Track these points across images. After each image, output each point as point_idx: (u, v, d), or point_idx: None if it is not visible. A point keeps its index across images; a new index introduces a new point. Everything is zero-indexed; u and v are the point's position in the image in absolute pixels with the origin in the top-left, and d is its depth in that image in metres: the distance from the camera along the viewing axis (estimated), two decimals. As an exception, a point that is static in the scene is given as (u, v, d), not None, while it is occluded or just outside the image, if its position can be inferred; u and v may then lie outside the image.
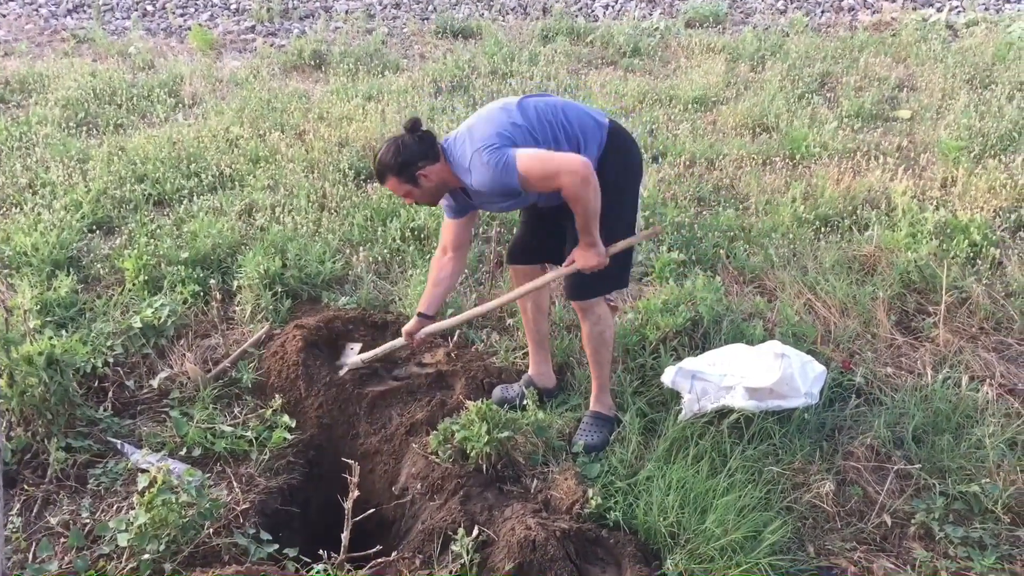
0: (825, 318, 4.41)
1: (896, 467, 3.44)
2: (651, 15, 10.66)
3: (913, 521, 3.21)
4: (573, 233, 3.38)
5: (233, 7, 10.72)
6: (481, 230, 5.12)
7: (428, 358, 4.18)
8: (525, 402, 3.65)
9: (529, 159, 3.12)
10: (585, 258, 3.31)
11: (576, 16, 10.56)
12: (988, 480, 3.32)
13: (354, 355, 4.08)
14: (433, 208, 5.14)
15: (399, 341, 3.84)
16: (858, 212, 5.47)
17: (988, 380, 3.95)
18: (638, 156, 3.53)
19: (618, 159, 3.41)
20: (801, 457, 3.45)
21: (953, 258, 4.80)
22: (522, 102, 3.33)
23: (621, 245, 3.41)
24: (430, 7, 10.89)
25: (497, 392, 3.90)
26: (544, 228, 3.66)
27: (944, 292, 4.38)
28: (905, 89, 8.05)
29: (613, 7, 11.02)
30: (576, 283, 3.49)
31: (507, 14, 10.69)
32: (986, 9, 10.88)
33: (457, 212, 3.55)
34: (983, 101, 7.44)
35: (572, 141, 3.32)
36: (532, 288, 3.59)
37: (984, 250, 4.87)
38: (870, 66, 8.54)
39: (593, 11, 10.91)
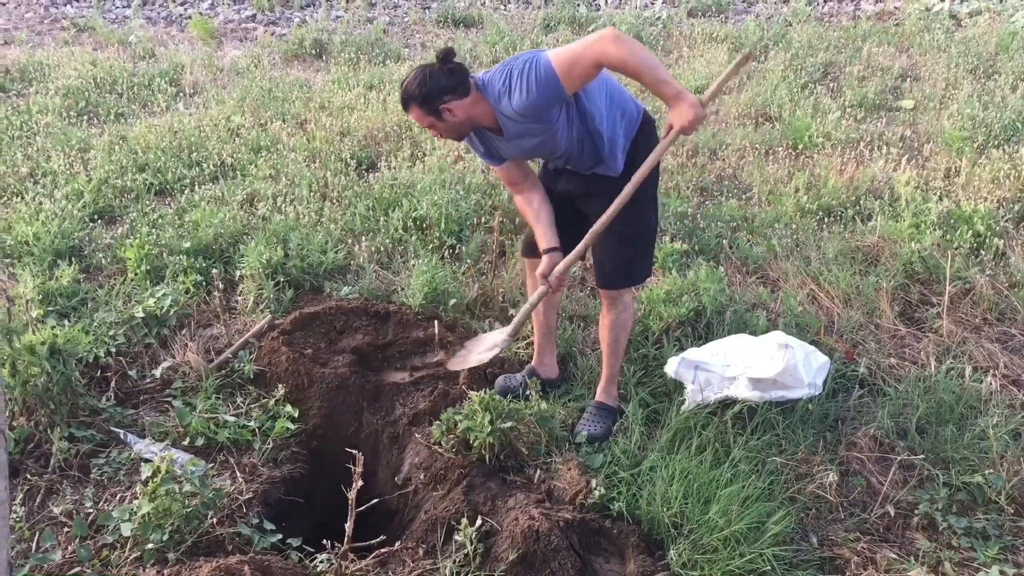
0: (828, 308, 4.41)
1: (899, 458, 3.43)
2: (653, 4, 10.62)
3: (916, 512, 3.21)
4: (595, 214, 3.32)
5: (234, -4, 10.70)
6: (483, 219, 5.10)
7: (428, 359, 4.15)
8: (528, 392, 3.65)
9: (557, 50, 3.03)
10: (681, 114, 3.02)
11: (578, 5, 10.52)
12: (992, 471, 3.31)
13: (500, 335, 3.72)
14: (436, 199, 5.13)
15: (541, 290, 3.48)
16: (861, 202, 5.45)
17: (992, 371, 3.95)
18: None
19: (652, 137, 3.39)
20: (804, 448, 3.45)
21: (957, 248, 4.79)
22: None
23: (712, 91, 3.16)
24: (431, -4, 10.87)
25: (500, 382, 3.88)
26: (565, 219, 3.54)
27: (948, 283, 4.37)
28: (908, 79, 8.02)
29: (615, -4, 10.99)
30: (608, 271, 3.49)
31: (508, 3, 10.65)
32: (989, -2, 10.84)
33: (494, 157, 3.43)
34: (986, 91, 7.42)
35: (618, 103, 3.29)
36: (609, 215, 3.24)
37: (988, 240, 4.85)
38: (873, 56, 8.51)
39: (595, 0, 10.87)
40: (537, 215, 3.46)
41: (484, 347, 3.79)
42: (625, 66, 2.98)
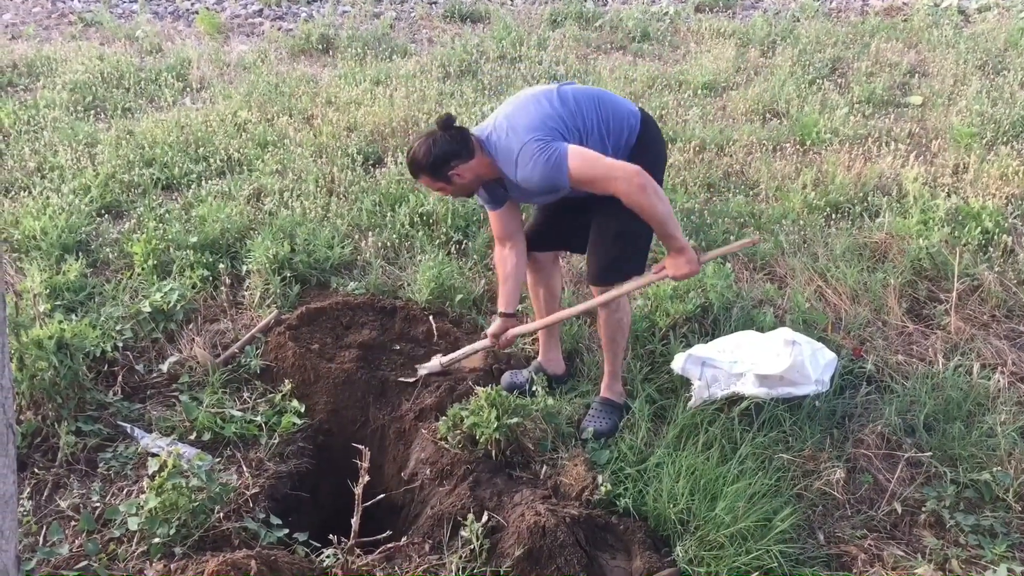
0: (836, 305, 4.40)
1: (907, 455, 3.42)
2: (660, 0, 10.59)
3: (924, 509, 3.20)
4: (598, 221, 3.42)
5: (240, -9, 10.69)
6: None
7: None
8: (534, 388, 3.65)
9: (581, 159, 3.08)
10: (676, 266, 3.24)
11: (585, 1, 10.50)
12: (999, 468, 3.31)
13: (435, 360, 3.95)
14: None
15: (484, 343, 3.76)
16: (869, 199, 5.44)
17: (1000, 368, 3.94)
18: (664, 144, 3.56)
19: (650, 150, 3.39)
20: (811, 444, 3.44)
21: (965, 245, 4.77)
22: (560, 90, 3.30)
23: (713, 254, 3.40)
24: (438, -9, 10.85)
25: (506, 378, 3.88)
26: (563, 216, 3.59)
27: (956, 279, 4.36)
28: (916, 75, 7.99)
29: (622, -9, 10.96)
30: (600, 268, 3.49)
31: (515, -1, 10.64)
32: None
33: (496, 203, 3.47)
34: (995, 87, 7.39)
35: (614, 133, 3.30)
36: (604, 299, 3.46)
37: (996, 237, 4.84)
38: (881, 52, 8.48)
39: (602, -5, 10.86)
40: (507, 276, 3.57)
41: (427, 364, 3.97)
42: (642, 212, 3.09)
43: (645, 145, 3.36)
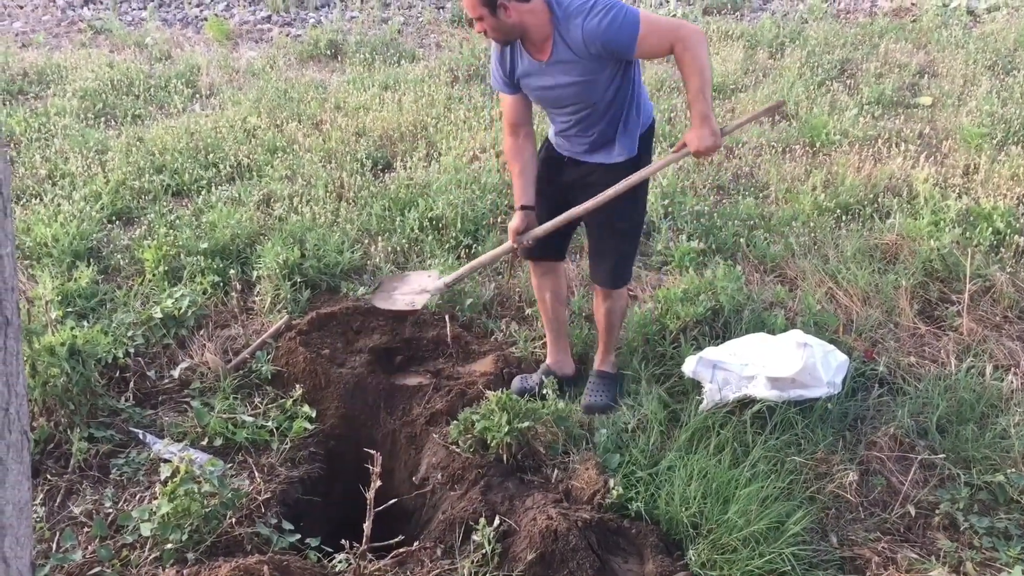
0: (847, 307, 4.38)
1: (920, 457, 3.41)
2: (668, 2, 10.58)
3: (937, 511, 3.18)
4: (598, 222, 3.49)
5: (249, -3, 10.73)
6: (499, 219, 5.10)
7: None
8: (545, 391, 3.64)
9: (649, 14, 3.07)
10: (700, 138, 3.15)
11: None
12: (1013, 470, 3.29)
13: (432, 279, 3.82)
14: (452, 199, 5.13)
15: (506, 246, 3.59)
16: (879, 200, 5.42)
17: (1013, 369, 3.92)
18: None
19: (649, 146, 3.52)
20: (824, 447, 3.43)
21: (976, 246, 4.75)
22: None
23: (736, 124, 3.40)
24: (446, -4, 10.87)
25: (516, 383, 3.86)
26: (549, 210, 3.53)
27: (967, 280, 4.34)
28: (926, 75, 7.96)
29: (630, -6, 10.97)
30: (605, 273, 3.59)
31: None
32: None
33: (510, 86, 3.38)
34: (1005, 87, 7.36)
35: (644, 96, 3.39)
36: (633, 182, 3.33)
37: (1008, 238, 4.81)
38: (890, 52, 8.45)
39: (609, -1, 10.87)
40: (523, 168, 3.47)
41: (412, 289, 3.80)
42: (693, 64, 3.05)
43: (648, 140, 3.52)
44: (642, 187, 3.42)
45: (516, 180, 3.51)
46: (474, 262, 3.75)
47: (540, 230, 3.47)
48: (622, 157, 3.40)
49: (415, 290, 3.82)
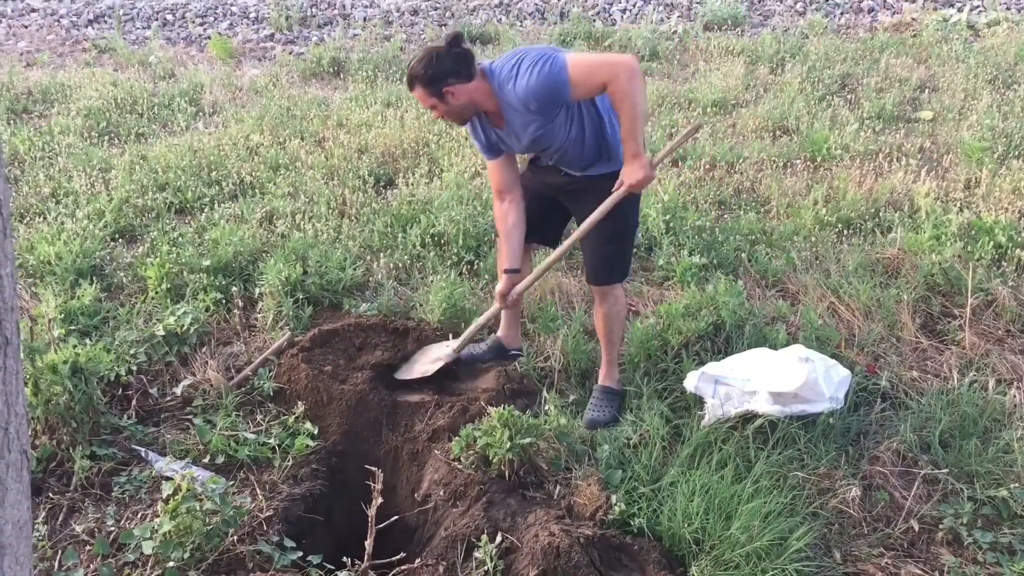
0: (849, 321, 4.38)
1: (923, 472, 3.40)
2: (669, 18, 10.62)
3: (941, 526, 3.17)
4: (579, 213, 3.61)
5: (252, 16, 10.77)
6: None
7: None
8: (547, 407, 3.64)
9: (577, 56, 3.18)
10: (632, 172, 3.30)
11: (594, 20, 10.55)
12: (1017, 485, 3.28)
13: (445, 348, 4.07)
14: (454, 215, 5.15)
15: (495, 308, 3.86)
16: (881, 214, 5.42)
17: (1015, 383, 3.91)
18: None
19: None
20: (826, 462, 3.43)
21: (978, 260, 4.75)
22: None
23: (662, 154, 3.53)
24: (448, 13, 10.92)
25: (466, 351, 4.09)
26: (542, 210, 3.76)
27: (969, 295, 4.34)
28: (927, 90, 7.98)
29: (631, 11, 10.99)
30: (597, 270, 3.69)
31: (524, 19, 10.69)
32: (1008, 8, 10.78)
33: (493, 151, 3.56)
34: (1006, 101, 7.37)
35: (608, 117, 3.44)
36: (580, 234, 3.57)
37: (1009, 252, 4.81)
38: (891, 67, 8.47)
39: (611, 15, 10.90)
40: (508, 233, 3.67)
41: (429, 359, 4.08)
42: (624, 100, 3.14)
43: None
44: (626, 198, 3.48)
45: (501, 245, 3.73)
46: (472, 327, 4.01)
47: (523, 284, 3.76)
48: (612, 168, 3.50)
49: (430, 359, 4.10)
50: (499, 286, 3.75)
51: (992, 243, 4.83)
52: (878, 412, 3.74)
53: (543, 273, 3.79)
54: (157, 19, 10.72)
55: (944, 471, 3.40)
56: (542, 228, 3.84)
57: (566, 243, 3.68)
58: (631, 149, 3.26)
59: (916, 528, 3.18)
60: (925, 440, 3.59)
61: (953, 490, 3.34)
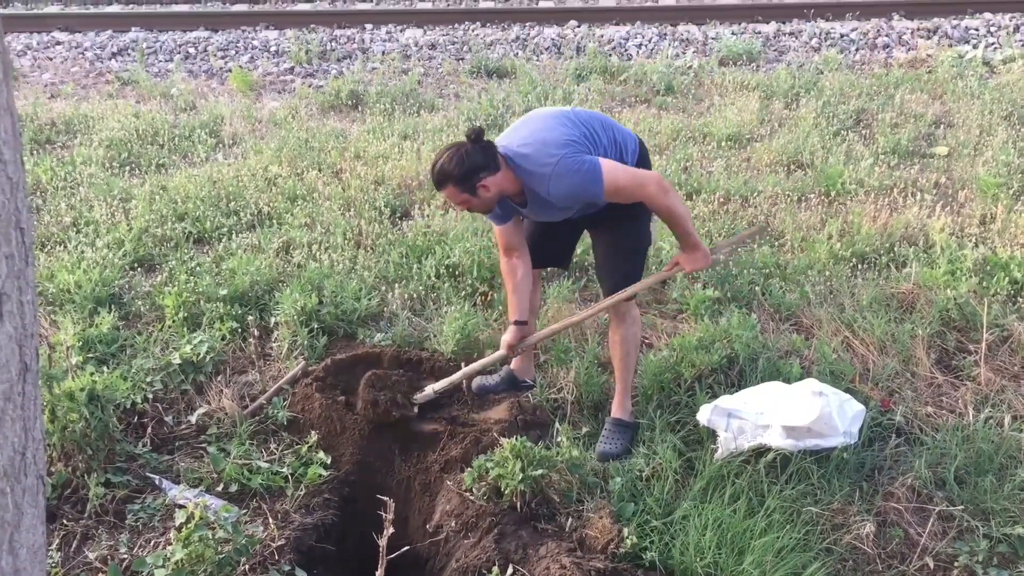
0: (863, 356, 4.37)
1: (938, 508, 3.38)
2: (684, 54, 10.69)
3: (956, 564, 3.15)
4: (606, 240, 3.72)
5: (273, 49, 10.92)
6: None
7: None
8: (559, 439, 3.64)
9: (614, 168, 3.30)
10: (693, 260, 3.53)
11: (610, 55, 10.63)
12: (1033, 522, 3.25)
13: (432, 386, 4.08)
14: (468, 247, 5.18)
15: (499, 354, 3.89)
16: (895, 249, 5.42)
17: (1032, 420, 3.88)
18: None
19: (648, 161, 3.72)
20: (840, 498, 3.41)
21: (994, 295, 4.74)
22: (573, 111, 3.53)
23: (724, 245, 3.72)
24: (465, 48, 11.02)
25: (477, 381, 4.15)
26: (555, 234, 3.82)
27: (985, 330, 4.32)
28: (942, 126, 7.99)
29: (647, 46, 11.07)
30: (615, 285, 3.70)
31: (541, 54, 10.78)
32: (1023, 45, 10.80)
33: (503, 218, 3.64)
34: (1022, 137, 7.37)
35: (618, 153, 3.51)
36: (621, 298, 3.65)
37: (1025, 288, 4.80)
38: (906, 103, 8.49)
39: (627, 50, 10.98)
40: (516, 286, 3.75)
41: (438, 385, 4.08)
42: (669, 214, 3.38)
43: (646, 154, 3.69)
44: (643, 210, 3.53)
45: (510, 297, 3.79)
46: (467, 369, 4.01)
47: (534, 339, 3.83)
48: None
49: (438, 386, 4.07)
50: (507, 336, 3.80)
51: (1008, 279, 4.81)
52: (892, 448, 3.72)
53: (556, 331, 3.91)
54: (179, 52, 10.88)
55: (959, 508, 3.37)
56: (553, 251, 3.92)
57: (591, 310, 3.80)
58: (689, 242, 3.47)
59: (931, 566, 3.15)
60: (940, 476, 3.57)
61: (968, 527, 3.32)
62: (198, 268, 5.24)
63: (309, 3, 13.02)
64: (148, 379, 4.09)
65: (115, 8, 12.75)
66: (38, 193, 6.48)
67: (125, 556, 3.14)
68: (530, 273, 3.77)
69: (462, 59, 10.71)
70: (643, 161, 3.65)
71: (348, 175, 6.75)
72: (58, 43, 11.08)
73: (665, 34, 11.49)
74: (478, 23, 11.97)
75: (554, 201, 3.36)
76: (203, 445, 3.80)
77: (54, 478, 3.43)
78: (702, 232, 5.68)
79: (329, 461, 3.71)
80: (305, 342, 4.44)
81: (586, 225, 3.80)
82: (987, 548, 3.17)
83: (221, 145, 7.80)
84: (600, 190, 3.26)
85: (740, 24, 11.83)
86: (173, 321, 4.63)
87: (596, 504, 3.40)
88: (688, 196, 6.33)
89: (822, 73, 9.70)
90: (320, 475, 3.61)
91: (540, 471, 3.35)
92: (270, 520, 3.36)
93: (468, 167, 3.30)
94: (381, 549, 2.82)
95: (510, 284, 3.77)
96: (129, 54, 10.87)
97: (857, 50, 10.93)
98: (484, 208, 3.50)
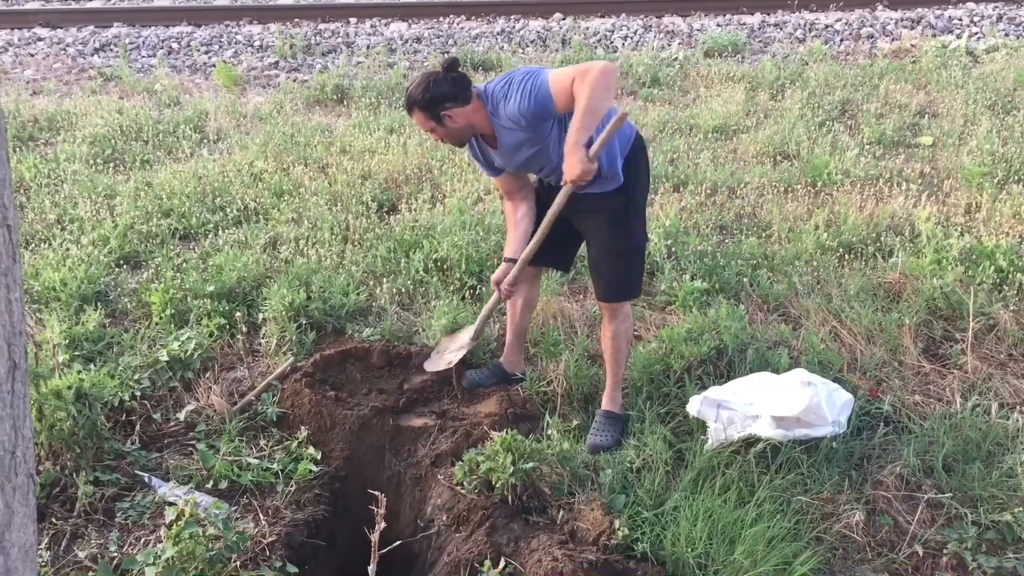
0: (851, 346, 4.39)
1: (927, 496, 3.39)
2: (670, 46, 10.70)
3: (945, 551, 3.17)
4: (598, 242, 3.66)
5: (257, 44, 10.86)
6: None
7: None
8: (549, 431, 3.65)
9: (556, 72, 3.26)
10: (571, 168, 3.18)
11: (595, 48, 10.63)
12: (1021, 509, 3.27)
13: (466, 335, 4.17)
14: (456, 241, 5.17)
15: (494, 297, 3.90)
16: (882, 239, 5.44)
17: (1018, 407, 3.91)
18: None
19: (643, 156, 3.66)
20: (830, 487, 3.42)
21: (979, 284, 4.76)
22: None
23: (597, 144, 3.23)
24: (450, 41, 11.00)
25: (468, 375, 4.16)
26: (555, 235, 3.72)
27: (971, 318, 4.34)
28: (926, 116, 8.03)
29: (632, 38, 11.08)
30: (610, 285, 3.70)
31: (526, 47, 10.77)
32: (1006, 35, 10.86)
33: (493, 169, 3.67)
34: (1005, 126, 7.41)
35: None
36: (556, 210, 3.47)
37: (1010, 276, 4.82)
38: (890, 93, 8.53)
39: (612, 42, 10.98)
40: (516, 223, 3.75)
41: (455, 346, 4.18)
42: (580, 93, 3.16)
43: (642, 151, 3.64)
44: (632, 209, 3.56)
45: (510, 232, 3.82)
46: (482, 315, 4.11)
47: (511, 275, 3.72)
48: (612, 186, 3.54)
49: (455, 348, 4.20)
50: (496, 273, 3.81)
51: (993, 267, 4.84)
52: (881, 436, 3.74)
53: (527, 261, 3.67)
54: (162, 47, 10.81)
55: (948, 495, 3.39)
56: (554, 251, 3.86)
57: (543, 225, 3.56)
58: (570, 140, 3.17)
59: (920, 553, 3.17)
60: (928, 464, 3.59)
61: (957, 515, 3.34)
62: (184, 265, 5.21)
63: (293, -3, 12.96)
64: (136, 377, 4.07)
65: (97, 3, 12.67)
66: (22, 191, 6.43)
67: (115, 554, 3.12)
68: (532, 211, 3.73)
69: (447, 52, 10.69)
70: (638, 155, 3.61)
71: (334, 170, 6.72)
72: (40, 39, 10.99)
73: (650, 26, 11.51)
74: (463, 16, 11.97)
75: (509, 116, 3.32)
76: (192, 442, 3.78)
77: (42, 477, 3.41)
78: (689, 223, 5.69)
79: (319, 457, 3.70)
80: (293, 338, 4.43)
81: (578, 223, 3.73)
82: (976, 535, 3.19)
83: (206, 141, 7.76)
84: (547, 89, 3.22)
85: (725, 16, 11.87)
86: (160, 318, 4.61)
87: (587, 496, 3.40)
88: (675, 188, 6.34)
89: (807, 64, 9.74)
90: (310, 471, 3.60)
91: (531, 464, 3.35)
92: (261, 516, 3.36)
93: (434, 94, 3.36)
94: (373, 544, 2.82)
95: (510, 221, 3.81)
96: (112, 50, 10.80)
97: (842, 41, 10.97)
98: (454, 139, 3.54)
